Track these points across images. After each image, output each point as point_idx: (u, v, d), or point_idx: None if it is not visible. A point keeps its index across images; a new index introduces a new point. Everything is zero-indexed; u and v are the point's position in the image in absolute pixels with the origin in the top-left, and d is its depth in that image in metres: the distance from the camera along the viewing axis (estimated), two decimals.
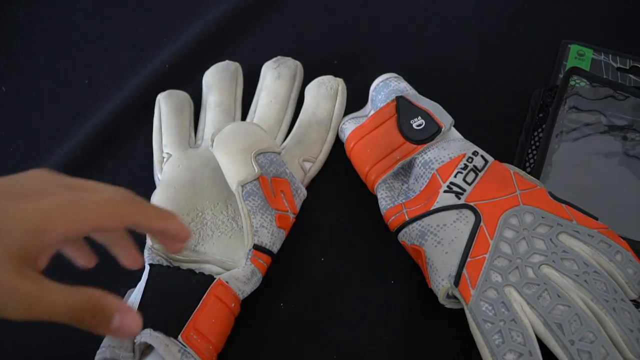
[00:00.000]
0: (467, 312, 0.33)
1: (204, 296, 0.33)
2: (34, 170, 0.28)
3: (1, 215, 0.24)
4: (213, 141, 0.39)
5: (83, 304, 0.25)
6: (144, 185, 0.42)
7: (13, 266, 0.24)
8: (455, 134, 0.40)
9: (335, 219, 0.41)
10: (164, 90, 0.45)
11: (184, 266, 0.36)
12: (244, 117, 0.45)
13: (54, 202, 0.25)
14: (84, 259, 0.33)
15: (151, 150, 0.43)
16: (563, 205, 0.36)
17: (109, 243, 0.32)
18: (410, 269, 0.38)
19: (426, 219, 0.36)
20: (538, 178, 0.40)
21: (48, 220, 0.25)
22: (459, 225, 0.35)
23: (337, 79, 0.45)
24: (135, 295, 0.34)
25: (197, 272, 0.35)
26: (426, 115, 0.40)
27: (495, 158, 0.39)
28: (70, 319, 0.24)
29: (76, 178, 0.28)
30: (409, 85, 0.43)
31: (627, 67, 0.48)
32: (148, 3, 0.54)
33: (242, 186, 0.36)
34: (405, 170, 0.40)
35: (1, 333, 0.36)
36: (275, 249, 0.37)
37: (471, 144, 0.39)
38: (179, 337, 0.31)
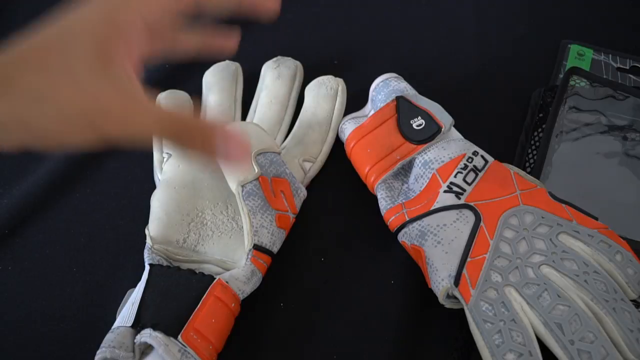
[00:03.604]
0: (467, 312, 0.33)
1: (204, 296, 0.33)
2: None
3: (66, 31, 0.22)
4: None
5: (178, 123, 0.22)
6: (144, 185, 0.42)
7: (98, 76, 0.21)
8: (455, 134, 0.40)
9: (335, 219, 0.41)
10: (164, 90, 0.45)
11: (184, 266, 0.36)
12: (244, 117, 0.45)
13: None
14: (219, 46, 0.30)
15: (151, 150, 0.43)
16: (563, 205, 0.36)
17: (231, 6, 0.29)
18: (410, 269, 0.38)
19: (426, 219, 0.36)
20: (538, 178, 0.40)
21: (115, 11, 0.23)
22: (459, 225, 0.35)
23: (337, 79, 0.45)
24: (135, 295, 0.34)
25: (197, 272, 0.35)
26: (426, 115, 0.40)
27: (495, 158, 0.39)
28: (165, 136, 0.22)
29: None
30: (409, 85, 0.43)
31: (627, 67, 0.48)
32: None
33: (242, 186, 0.36)
34: (405, 170, 0.40)
35: (1, 333, 0.36)
36: (275, 249, 0.37)
37: (471, 144, 0.39)
38: (179, 337, 0.31)
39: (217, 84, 0.45)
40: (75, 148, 0.22)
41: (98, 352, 0.32)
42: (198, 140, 0.22)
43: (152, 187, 0.41)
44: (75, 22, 0.23)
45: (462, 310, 0.33)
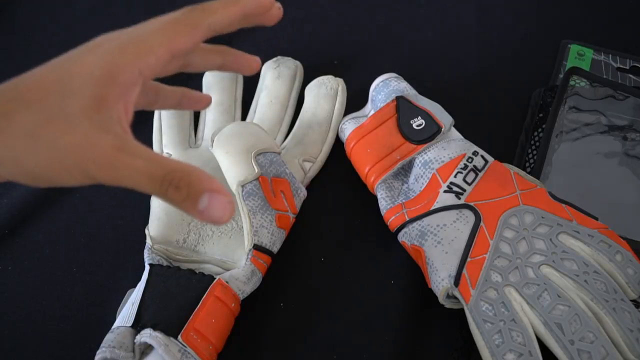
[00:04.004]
0: (467, 312, 0.33)
1: (204, 296, 0.33)
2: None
3: (66, 74, 0.23)
4: (213, 141, 0.39)
5: (166, 173, 0.22)
6: None
7: (92, 121, 0.22)
8: (455, 134, 0.40)
9: (335, 219, 0.41)
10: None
11: (184, 266, 0.36)
12: (244, 117, 0.45)
13: (113, 45, 0.24)
14: (192, 101, 0.31)
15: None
16: (563, 205, 0.36)
17: (216, 65, 0.30)
18: (410, 269, 0.38)
19: (426, 219, 0.36)
20: (538, 178, 0.40)
21: (114, 62, 0.23)
22: (459, 225, 0.35)
23: (337, 79, 0.45)
24: (135, 295, 0.34)
25: (197, 272, 0.35)
26: (426, 115, 0.40)
27: (495, 158, 0.39)
28: (151, 188, 0.22)
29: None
30: (409, 85, 0.43)
31: (627, 67, 0.48)
32: (148, 3, 0.54)
33: (242, 186, 0.36)
34: (405, 170, 0.40)
35: (1, 333, 0.36)
36: (275, 249, 0.37)
37: (471, 144, 0.39)
38: (179, 337, 0.31)
39: (218, 84, 0.45)
40: (64, 185, 0.22)
41: (98, 352, 0.32)
42: (183, 193, 0.22)
43: None
44: (76, 69, 0.23)
45: (462, 310, 0.33)
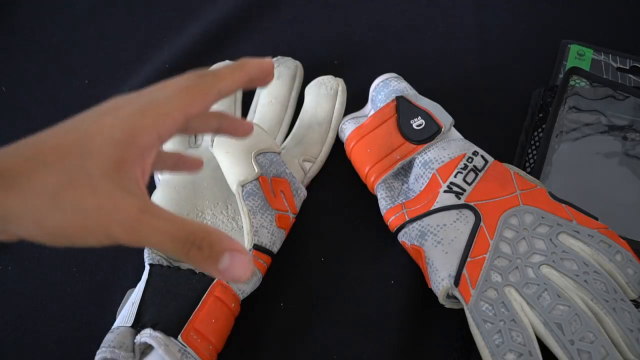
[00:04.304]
0: (467, 312, 0.33)
1: (204, 296, 0.33)
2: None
3: (85, 135, 0.23)
4: (213, 141, 0.39)
5: (188, 234, 0.22)
6: None
7: (114, 183, 0.22)
8: (455, 134, 0.40)
9: (335, 219, 0.41)
10: None
11: (184, 266, 0.36)
12: (244, 117, 0.45)
13: (132, 109, 0.24)
14: (189, 165, 0.32)
15: None
16: (563, 205, 0.36)
17: (213, 128, 0.31)
18: (410, 269, 0.38)
19: (426, 219, 0.36)
20: (538, 178, 0.40)
21: (134, 125, 0.24)
22: (459, 225, 0.35)
23: (337, 79, 0.45)
24: (135, 295, 0.34)
25: (197, 272, 0.35)
26: (426, 115, 0.40)
27: (495, 158, 0.39)
28: (174, 249, 0.22)
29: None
30: (409, 85, 0.43)
31: (627, 67, 0.48)
32: (148, 3, 0.54)
33: (242, 186, 0.36)
34: (405, 170, 0.40)
35: (1, 333, 0.36)
36: (275, 249, 0.37)
37: (471, 144, 0.39)
38: (179, 337, 0.31)
39: None
40: (85, 246, 0.22)
41: (98, 352, 0.32)
42: (205, 253, 0.22)
43: (152, 187, 0.41)
44: (96, 131, 0.23)
45: (462, 310, 0.33)
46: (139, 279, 0.35)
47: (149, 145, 0.24)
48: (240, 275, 0.22)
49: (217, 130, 0.31)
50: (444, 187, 0.37)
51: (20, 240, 0.23)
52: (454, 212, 0.36)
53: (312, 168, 0.42)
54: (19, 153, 0.23)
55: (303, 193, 0.40)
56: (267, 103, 0.44)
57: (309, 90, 0.45)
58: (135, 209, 0.22)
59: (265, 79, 0.30)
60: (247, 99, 0.46)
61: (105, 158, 0.22)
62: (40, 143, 0.23)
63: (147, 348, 0.32)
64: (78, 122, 0.24)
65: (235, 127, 0.32)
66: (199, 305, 0.33)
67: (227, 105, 0.44)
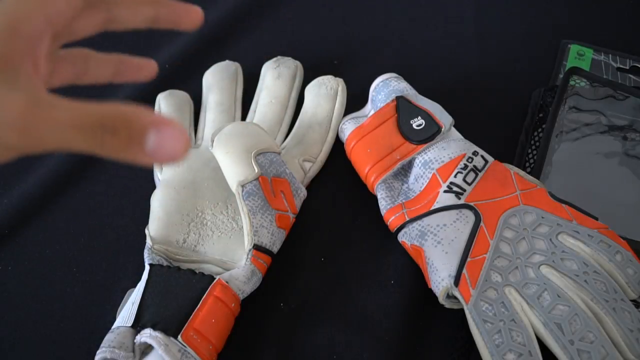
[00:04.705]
0: (467, 312, 0.33)
1: (204, 296, 0.33)
2: None
3: None
4: (213, 141, 0.39)
5: (96, 119, 0.18)
6: (144, 185, 0.42)
7: None
8: (455, 134, 0.40)
9: (335, 219, 0.41)
10: (164, 90, 0.45)
11: (184, 266, 0.36)
12: (244, 117, 0.45)
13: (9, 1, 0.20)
14: (132, 69, 0.26)
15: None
16: (563, 205, 0.36)
17: (146, 18, 0.25)
18: (410, 269, 0.38)
19: (426, 219, 0.36)
20: (538, 178, 0.40)
21: (14, 14, 0.20)
22: (459, 225, 0.35)
23: (337, 79, 0.45)
24: (135, 295, 0.34)
25: (197, 272, 0.35)
26: (426, 115, 0.40)
27: (495, 158, 0.39)
28: (82, 141, 0.18)
29: None
30: (409, 85, 0.43)
31: (627, 67, 0.48)
32: None
33: (242, 186, 0.36)
34: (405, 170, 0.40)
35: (1, 333, 0.36)
36: (275, 249, 0.37)
37: (471, 144, 0.39)
38: (179, 337, 0.31)
39: (217, 84, 0.45)
40: None
41: (98, 352, 0.32)
42: (122, 136, 0.18)
43: (152, 187, 0.41)
44: None
45: (462, 310, 0.33)
46: (139, 279, 0.35)
47: (36, 34, 0.20)
48: (176, 150, 0.18)
49: (154, 22, 0.25)
50: (444, 187, 0.37)
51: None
52: (454, 212, 0.36)
53: (312, 168, 0.42)
54: None
55: (303, 193, 0.40)
56: (267, 103, 0.44)
57: (309, 90, 0.45)
58: (24, 104, 0.18)
59: (184, 17, 0.25)
60: (247, 99, 0.46)
61: None
62: None
63: (147, 348, 0.32)
64: None
65: (177, 15, 0.26)
66: (199, 305, 0.33)
67: (227, 105, 0.44)
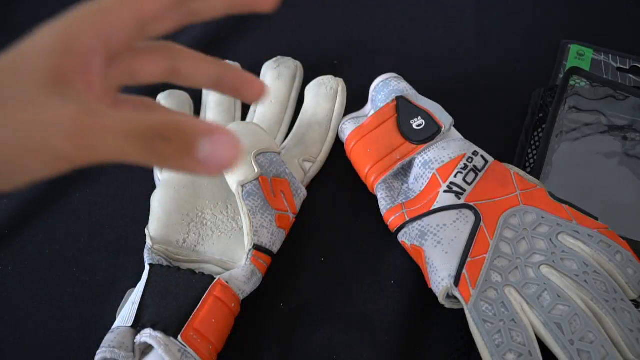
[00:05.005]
0: (467, 312, 0.33)
1: (204, 296, 0.33)
2: None
3: (17, 53, 0.20)
4: None
5: (148, 127, 0.17)
6: (144, 185, 0.42)
7: (51, 96, 0.19)
8: (455, 134, 0.40)
9: (335, 219, 0.41)
10: (164, 90, 0.45)
11: (184, 266, 0.36)
12: (244, 117, 0.45)
13: (70, 17, 0.21)
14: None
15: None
16: (563, 205, 0.36)
17: (211, 78, 0.25)
18: (410, 269, 0.38)
19: (426, 219, 0.36)
20: (538, 178, 0.40)
21: (69, 31, 0.20)
22: (459, 225, 0.35)
23: (337, 79, 0.45)
24: (135, 295, 0.34)
25: (197, 272, 0.35)
26: (426, 115, 0.40)
27: (495, 158, 0.39)
28: (135, 150, 0.18)
29: None
30: (409, 85, 0.43)
31: (627, 67, 0.48)
32: None
33: (242, 186, 0.36)
34: (405, 170, 0.40)
35: (1, 333, 0.36)
36: (275, 249, 0.37)
37: (471, 144, 0.39)
38: (179, 337, 0.31)
39: None
40: (38, 177, 0.19)
41: (98, 352, 0.32)
42: (174, 144, 0.17)
43: (152, 187, 0.41)
44: (30, 48, 0.20)
45: (462, 310, 0.33)
46: (139, 279, 0.35)
47: (89, 51, 0.20)
48: (229, 158, 0.17)
49: (217, 83, 0.25)
50: (444, 187, 0.37)
51: None
52: (454, 212, 0.36)
53: (312, 168, 0.42)
54: None
55: (303, 193, 0.40)
56: (267, 103, 0.44)
57: (309, 90, 0.45)
58: (78, 113, 0.18)
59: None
60: None
61: (39, 71, 0.19)
62: None
63: (147, 348, 0.32)
64: (16, 47, 0.21)
65: (242, 83, 0.25)
66: (199, 305, 0.33)
67: (227, 105, 0.44)
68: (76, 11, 0.21)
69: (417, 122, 0.40)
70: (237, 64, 0.25)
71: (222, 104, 0.44)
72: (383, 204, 0.39)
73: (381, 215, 0.39)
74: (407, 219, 0.37)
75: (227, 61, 0.46)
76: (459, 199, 0.37)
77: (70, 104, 0.18)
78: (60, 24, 0.21)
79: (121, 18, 0.21)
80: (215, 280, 0.34)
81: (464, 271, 0.34)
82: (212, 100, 0.45)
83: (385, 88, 0.42)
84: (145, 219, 0.39)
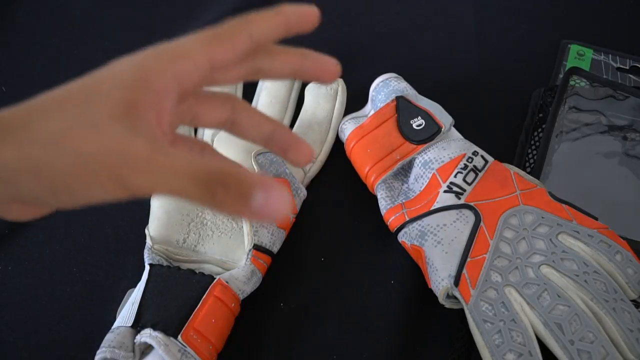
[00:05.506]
0: (467, 312, 0.33)
1: (204, 296, 0.33)
2: None
3: (92, 82, 0.21)
4: (213, 141, 0.39)
5: (211, 172, 0.19)
6: None
7: (122, 126, 0.19)
8: (455, 134, 0.40)
9: (335, 219, 0.41)
10: None
11: (184, 266, 0.36)
12: None
13: (148, 54, 0.22)
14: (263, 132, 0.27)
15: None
16: (563, 205, 0.36)
17: (291, 68, 0.27)
18: (410, 269, 0.38)
19: (426, 219, 0.36)
20: (538, 178, 0.40)
21: (147, 68, 0.21)
22: (459, 225, 0.35)
23: (337, 79, 0.45)
24: (135, 295, 0.34)
25: (197, 272, 0.35)
26: (426, 115, 0.40)
27: (495, 158, 0.39)
28: (196, 191, 0.19)
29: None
30: (409, 85, 0.43)
31: (627, 67, 0.48)
32: (148, 3, 0.54)
33: None
34: (405, 170, 0.40)
35: (1, 333, 0.36)
36: (275, 249, 0.37)
37: (471, 144, 0.39)
38: (179, 337, 0.31)
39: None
40: (94, 201, 0.20)
41: (98, 352, 0.32)
42: (232, 192, 0.19)
43: None
44: (105, 76, 0.21)
45: (462, 310, 0.33)
46: (139, 279, 0.35)
47: (164, 89, 0.21)
48: (279, 210, 0.19)
49: (298, 73, 0.27)
50: (444, 187, 0.37)
51: (32, 218, 0.21)
52: (454, 212, 0.36)
53: (312, 168, 0.42)
54: (22, 107, 0.21)
55: (303, 193, 0.40)
56: (267, 103, 0.44)
57: (309, 90, 0.45)
58: (147, 149, 0.19)
59: (307, 21, 0.26)
60: (247, 99, 0.46)
61: (113, 101, 0.20)
62: (45, 96, 0.21)
63: (147, 348, 0.32)
64: (90, 73, 0.22)
65: (321, 68, 0.27)
66: (199, 305, 0.33)
67: None
68: (155, 49, 0.22)
69: (417, 122, 0.40)
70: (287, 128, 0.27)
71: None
72: (383, 204, 0.39)
73: (381, 215, 0.39)
74: (407, 219, 0.37)
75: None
76: (459, 199, 0.37)
77: (139, 138, 0.19)
78: (139, 59, 0.22)
79: (196, 61, 0.22)
80: (215, 280, 0.34)
81: (464, 271, 0.34)
82: None
83: (385, 88, 0.42)
84: (145, 219, 0.39)
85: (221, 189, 0.19)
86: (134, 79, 0.21)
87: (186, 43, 0.23)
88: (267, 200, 0.19)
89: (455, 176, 0.37)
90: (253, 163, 0.37)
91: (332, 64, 0.27)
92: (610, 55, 0.49)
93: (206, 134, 0.43)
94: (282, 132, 0.27)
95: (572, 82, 0.45)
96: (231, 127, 0.27)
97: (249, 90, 0.46)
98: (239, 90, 0.46)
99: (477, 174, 0.37)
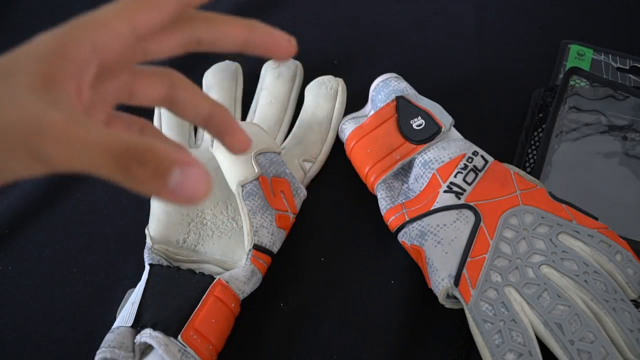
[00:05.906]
0: (467, 312, 0.33)
1: (204, 296, 0.33)
2: None
3: (12, 57, 0.21)
4: (213, 141, 0.39)
5: (126, 146, 0.18)
6: None
7: (39, 98, 0.19)
8: (455, 134, 0.40)
9: (335, 219, 0.41)
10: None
11: (184, 266, 0.36)
12: (244, 117, 0.45)
13: (67, 26, 0.21)
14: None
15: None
16: (563, 205, 0.36)
17: (236, 41, 0.25)
18: (410, 269, 0.38)
19: (426, 219, 0.36)
20: (538, 178, 0.40)
21: (63, 39, 0.21)
22: (459, 225, 0.35)
23: (337, 79, 0.45)
24: (135, 295, 0.34)
25: (197, 272, 0.35)
26: (426, 115, 0.40)
27: (495, 158, 0.39)
28: (110, 166, 0.18)
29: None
30: (409, 85, 0.43)
31: (627, 67, 0.48)
32: None
33: (242, 186, 0.36)
34: (405, 170, 0.40)
35: (1, 333, 0.36)
36: (275, 249, 0.37)
37: (471, 144, 0.39)
38: (179, 337, 0.31)
39: (218, 84, 0.45)
40: (13, 177, 0.20)
41: (98, 352, 0.32)
42: (149, 169, 0.18)
43: None
44: (25, 51, 0.21)
45: (462, 310, 0.33)
46: (139, 279, 0.35)
47: (82, 59, 0.21)
48: (197, 191, 0.18)
49: (244, 46, 0.25)
50: (444, 187, 0.37)
51: None
52: (454, 212, 0.36)
53: (312, 168, 0.42)
54: None
55: (303, 193, 0.40)
56: (267, 103, 0.44)
57: (309, 90, 0.45)
58: (63, 120, 0.18)
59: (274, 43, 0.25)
60: (247, 99, 0.46)
61: (30, 74, 0.20)
62: None
63: (147, 348, 0.32)
64: (12, 51, 0.22)
65: (271, 41, 0.25)
66: (199, 305, 0.33)
67: (227, 105, 0.44)
68: (73, 21, 0.22)
69: (417, 122, 0.40)
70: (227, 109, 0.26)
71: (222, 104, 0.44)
72: (383, 204, 0.39)
73: (381, 215, 0.39)
74: (407, 219, 0.37)
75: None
76: (459, 199, 0.37)
77: (56, 109, 0.19)
78: (57, 32, 0.21)
79: (116, 29, 0.21)
80: (215, 280, 0.34)
81: (464, 271, 0.34)
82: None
83: (385, 88, 0.42)
84: (145, 219, 0.39)
85: (136, 165, 0.18)
86: (51, 51, 0.20)
87: (106, 11, 0.22)
88: (184, 180, 0.18)
89: (455, 176, 0.37)
90: (253, 163, 0.37)
91: (283, 39, 0.25)
92: (610, 55, 0.49)
93: (206, 134, 0.43)
94: (221, 115, 0.26)
95: (572, 82, 0.45)
96: (170, 105, 0.26)
97: (249, 90, 0.46)
98: (238, 91, 0.46)
99: (477, 174, 0.37)
